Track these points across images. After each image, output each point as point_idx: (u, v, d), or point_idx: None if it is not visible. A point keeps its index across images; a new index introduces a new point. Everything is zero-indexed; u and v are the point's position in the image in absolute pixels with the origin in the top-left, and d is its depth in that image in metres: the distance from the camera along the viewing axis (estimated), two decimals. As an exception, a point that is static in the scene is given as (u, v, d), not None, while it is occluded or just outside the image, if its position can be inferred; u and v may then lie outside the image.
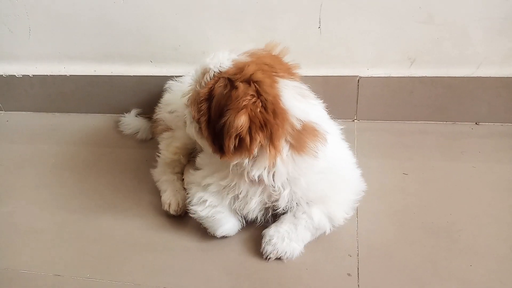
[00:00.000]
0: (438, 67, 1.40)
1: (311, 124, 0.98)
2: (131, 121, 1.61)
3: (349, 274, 1.04)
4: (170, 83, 1.42)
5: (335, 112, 1.13)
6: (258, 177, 1.01)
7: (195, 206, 1.11)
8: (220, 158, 0.97)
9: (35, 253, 1.19)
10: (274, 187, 1.03)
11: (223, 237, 1.15)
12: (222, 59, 0.97)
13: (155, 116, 1.42)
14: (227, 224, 1.12)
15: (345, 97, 1.49)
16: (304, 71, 1.44)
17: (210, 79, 0.96)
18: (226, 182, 1.07)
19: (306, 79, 1.40)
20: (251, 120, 0.90)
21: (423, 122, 1.49)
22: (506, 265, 1.02)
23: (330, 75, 1.45)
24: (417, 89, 1.43)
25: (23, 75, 1.72)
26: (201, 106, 0.96)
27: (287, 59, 1.08)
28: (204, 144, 1.04)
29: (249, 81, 0.92)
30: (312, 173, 1.03)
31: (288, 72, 1.04)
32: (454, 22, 1.32)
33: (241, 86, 0.91)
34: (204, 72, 0.98)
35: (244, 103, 0.89)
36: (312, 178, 1.04)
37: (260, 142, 0.93)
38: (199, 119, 0.97)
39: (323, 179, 1.06)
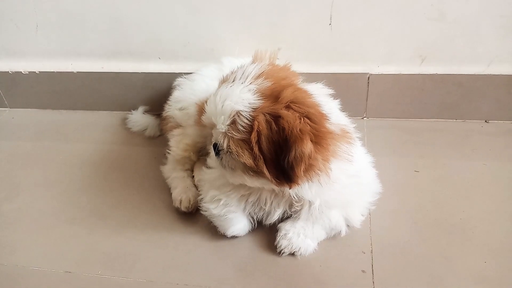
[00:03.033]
0: (449, 64, 1.40)
1: (342, 126, 0.95)
2: (139, 118, 1.60)
3: (363, 271, 1.04)
4: (179, 80, 1.41)
5: (344, 109, 1.13)
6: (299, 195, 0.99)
7: (208, 203, 1.10)
8: (290, 188, 0.93)
9: (45, 250, 1.18)
10: (298, 198, 1.01)
11: (233, 237, 1.14)
12: (244, 96, 0.90)
13: (164, 113, 1.41)
14: (238, 224, 1.11)
15: (355, 94, 1.49)
16: (314, 68, 1.46)
17: (248, 120, 0.89)
18: (252, 197, 1.06)
19: (316, 76, 1.40)
20: (311, 141, 0.86)
21: (433, 120, 1.49)
22: (521, 261, 1.02)
23: (340, 72, 1.45)
24: (427, 87, 1.43)
25: (29, 72, 1.70)
26: (254, 151, 0.89)
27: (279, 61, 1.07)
28: (261, 182, 0.97)
29: (287, 105, 0.88)
30: (345, 178, 1.00)
31: (295, 75, 1.02)
32: (466, 19, 1.32)
33: (286, 114, 0.86)
34: (233, 116, 0.90)
35: (299, 127, 0.85)
36: (344, 183, 1.00)
37: (321, 158, 0.89)
38: (256, 164, 0.90)
39: (355, 183, 1.03)
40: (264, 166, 0.90)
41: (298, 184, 0.91)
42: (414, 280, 1.01)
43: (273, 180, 0.91)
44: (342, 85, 1.45)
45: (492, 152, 1.35)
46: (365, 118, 1.54)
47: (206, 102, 1.00)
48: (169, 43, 1.55)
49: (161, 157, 1.38)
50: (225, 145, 0.93)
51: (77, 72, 1.67)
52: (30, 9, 1.57)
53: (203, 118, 0.99)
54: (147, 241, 1.17)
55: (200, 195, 1.16)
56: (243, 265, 1.09)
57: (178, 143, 1.31)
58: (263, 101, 0.89)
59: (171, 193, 1.27)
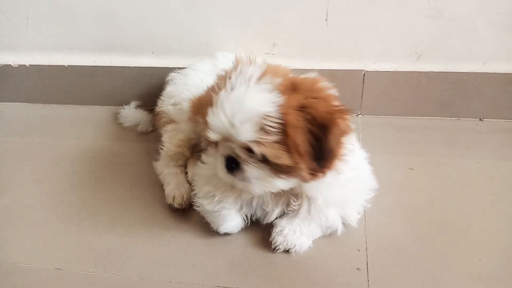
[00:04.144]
0: (444, 62, 1.40)
1: None
2: (131, 113, 1.58)
3: (358, 269, 1.03)
4: (172, 75, 1.39)
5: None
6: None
7: (202, 199, 1.09)
8: (323, 174, 0.91)
9: (34, 247, 1.16)
10: (297, 197, 1.01)
11: (226, 234, 1.12)
12: (264, 96, 0.86)
13: (157, 109, 1.40)
14: (231, 221, 1.10)
15: (350, 91, 1.48)
16: (310, 64, 1.45)
17: (278, 120, 0.85)
18: (249, 197, 1.05)
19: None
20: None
21: (428, 118, 1.49)
22: (515, 259, 1.02)
23: (336, 69, 1.44)
24: (422, 84, 1.43)
25: (19, 65, 1.68)
26: (290, 149, 0.86)
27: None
28: (289, 183, 0.94)
29: (309, 94, 0.87)
30: (348, 171, 1.00)
31: (289, 71, 1.01)
32: (462, 17, 1.32)
33: (315, 103, 0.86)
34: (261, 119, 0.85)
35: (331, 111, 0.86)
36: (347, 177, 1.00)
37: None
38: (294, 160, 0.87)
39: (355, 177, 1.03)
40: (302, 160, 0.87)
41: (331, 168, 0.90)
42: (409, 278, 1.00)
43: (307, 173, 0.89)
44: (337, 81, 1.42)
45: (487, 151, 1.35)
46: (360, 115, 1.53)
47: (207, 110, 0.92)
48: (163, 37, 1.53)
49: (153, 153, 1.36)
50: (259, 153, 0.88)
51: (68, 65, 1.64)
52: (20, 1, 1.55)
53: (211, 135, 0.91)
54: (139, 238, 1.15)
55: (194, 191, 1.14)
56: (236, 263, 1.07)
57: (171, 139, 1.30)
58: (283, 97, 0.86)
59: (164, 190, 1.25)
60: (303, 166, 0.88)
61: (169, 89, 1.37)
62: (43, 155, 1.49)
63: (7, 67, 1.69)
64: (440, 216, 1.14)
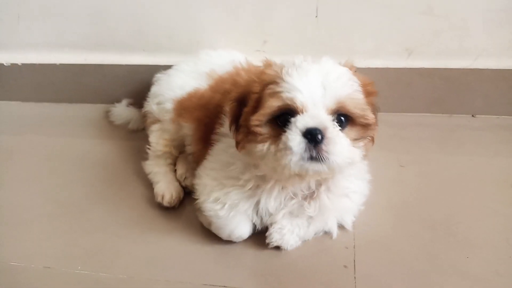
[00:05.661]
0: (436, 58, 1.39)
1: None
2: (122, 111, 1.58)
3: (345, 266, 1.03)
4: (158, 76, 1.39)
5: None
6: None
7: (213, 204, 1.04)
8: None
9: (24, 245, 1.16)
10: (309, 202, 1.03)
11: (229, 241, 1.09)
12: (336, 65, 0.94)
13: (143, 109, 1.40)
14: (245, 226, 1.06)
15: (341, 88, 1.47)
16: (301, 61, 1.43)
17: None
18: (257, 200, 1.04)
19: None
20: None
21: (420, 114, 1.49)
22: (503, 257, 1.02)
23: (326, 66, 1.43)
24: (414, 81, 1.42)
25: (11, 64, 1.68)
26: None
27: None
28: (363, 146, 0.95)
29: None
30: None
31: None
32: (453, 13, 1.31)
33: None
34: (353, 79, 0.93)
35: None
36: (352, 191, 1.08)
37: None
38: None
39: (357, 191, 1.09)
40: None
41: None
42: (397, 275, 1.00)
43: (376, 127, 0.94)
44: (328, 78, 1.43)
45: (479, 147, 1.35)
46: (351, 112, 1.52)
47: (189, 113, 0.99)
48: (154, 35, 1.53)
49: (143, 152, 1.35)
50: (352, 110, 0.87)
51: (60, 64, 1.64)
52: (11, 0, 1.54)
53: (300, 97, 0.84)
54: (128, 236, 1.16)
55: (197, 199, 1.09)
56: (224, 261, 1.07)
57: (158, 139, 1.30)
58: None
59: (154, 188, 1.25)
60: (376, 122, 0.93)
61: (153, 89, 1.37)
62: (35, 154, 1.49)
63: (0, 66, 1.68)
64: (429, 214, 1.14)
